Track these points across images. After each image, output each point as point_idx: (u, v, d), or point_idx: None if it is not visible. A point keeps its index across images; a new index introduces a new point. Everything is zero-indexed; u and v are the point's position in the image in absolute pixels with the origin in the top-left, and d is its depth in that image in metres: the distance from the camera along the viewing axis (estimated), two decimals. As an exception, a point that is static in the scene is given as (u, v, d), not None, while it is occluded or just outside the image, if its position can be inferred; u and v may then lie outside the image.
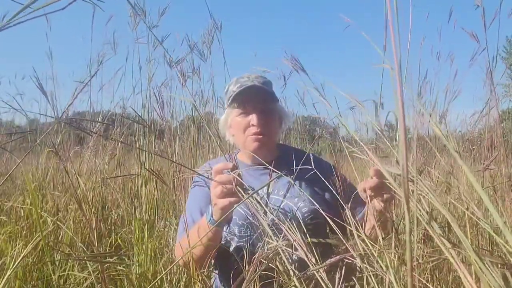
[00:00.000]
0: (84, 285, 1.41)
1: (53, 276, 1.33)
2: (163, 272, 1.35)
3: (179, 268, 1.30)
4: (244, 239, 0.98)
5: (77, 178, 1.58)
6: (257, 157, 1.06)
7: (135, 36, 1.72)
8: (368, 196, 0.76)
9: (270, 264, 0.62)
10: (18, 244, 1.40)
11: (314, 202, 0.92)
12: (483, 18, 0.99)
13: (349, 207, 0.81)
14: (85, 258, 0.96)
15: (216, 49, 1.72)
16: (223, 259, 0.99)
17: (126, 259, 1.55)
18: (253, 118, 1.02)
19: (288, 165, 1.01)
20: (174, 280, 1.28)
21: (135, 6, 1.47)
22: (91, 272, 1.18)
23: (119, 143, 2.04)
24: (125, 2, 1.56)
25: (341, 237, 0.64)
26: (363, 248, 0.56)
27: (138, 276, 1.37)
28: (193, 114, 2.07)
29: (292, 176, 1.03)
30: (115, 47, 1.89)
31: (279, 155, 1.11)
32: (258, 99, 1.03)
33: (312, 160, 0.98)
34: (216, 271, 1.08)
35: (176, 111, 2.12)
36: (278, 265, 0.61)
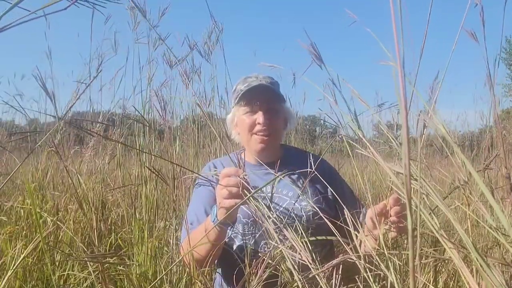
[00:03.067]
0: (84, 285, 1.41)
1: (53, 276, 1.33)
2: (163, 272, 1.34)
3: (179, 268, 1.30)
4: (248, 237, 0.98)
5: (78, 177, 1.58)
6: (260, 156, 1.07)
7: (135, 36, 1.72)
8: (377, 221, 0.75)
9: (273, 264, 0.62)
10: (18, 244, 1.39)
11: (312, 204, 0.93)
12: (481, 16, 0.98)
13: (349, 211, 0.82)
14: (85, 258, 0.96)
15: (216, 49, 1.72)
16: (226, 258, 0.99)
17: (126, 259, 1.55)
18: (259, 117, 1.03)
19: (292, 165, 1.02)
20: (174, 280, 1.28)
21: (136, 7, 1.47)
22: (91, 272, 1.18)
23: (119, 143, 2.04)
24: (124, 2, 1.56)
25: (340, 239, 0.63)
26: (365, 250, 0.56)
27: (138, 276, 1.37)
28: (193, 114, 2.07)
29: (295, 176, 1.04)
30: (116, 47, 1.88)
31: (283, 155, 1.12)
32: (265, 99, 1.04)
33: (315, 161, 0.99)
34: (219, 270, 1.08)
35: (176, 111, 2.12)
36: (281, 264, 0.61)
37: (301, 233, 0.66)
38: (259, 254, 0.94)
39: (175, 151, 1.85)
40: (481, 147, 1.81)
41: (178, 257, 1.08)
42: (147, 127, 1.77)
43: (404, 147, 0.26)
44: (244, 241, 0.98)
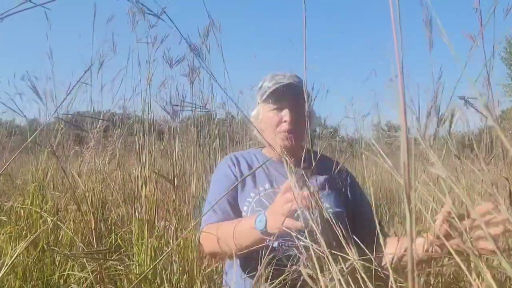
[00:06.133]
0: (84, 285, 1.41)
1: (53, 276, 1.33)
2: (163, 272, 1.34)
3: (179, 268, 1.30)
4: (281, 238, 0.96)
5: (74, 179, 1.58)
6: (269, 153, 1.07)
7: (134, 36, 1.72)
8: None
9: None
10: (18, 244, 1.39)
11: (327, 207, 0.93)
12: (479, 19, 0.99)
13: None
14: (83, 256, 0.96)
15: (214, 50, 1.74)
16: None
17: (126, 259, 1.55)
18: (286, 115, 1.04)
19: (317, 166, 1.04)
20: (174, 280, 1.28)
21: (136, 5, 1.47)
22: (90, 272, 1.18)
23: (119, 143, 2.04)
24: (124, 2, 1.56)
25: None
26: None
27: (138, 276, 1.37)
28: (193, 114, 2.07)
29: (321, 177, 1.05)
30: (114, 48, 1.88)
31: (306, 155, 1.12)
32: (293, 97, 1.04)
33: (338, 166, 1.03)
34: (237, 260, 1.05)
35: (176, 111, 2.11)
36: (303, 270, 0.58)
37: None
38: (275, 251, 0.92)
39: (175, 151, 1.85)
40: (481, 147, 1.81)
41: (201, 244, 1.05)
42: (147, 127, 1.78)
43: (403, 145, 0.26)
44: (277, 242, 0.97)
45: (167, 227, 1.63)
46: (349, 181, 1.08)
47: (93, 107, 2.33)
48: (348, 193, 1.03)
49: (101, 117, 2.27)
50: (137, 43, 1.74)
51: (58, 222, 1.58)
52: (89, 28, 1.83)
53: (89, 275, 1.28)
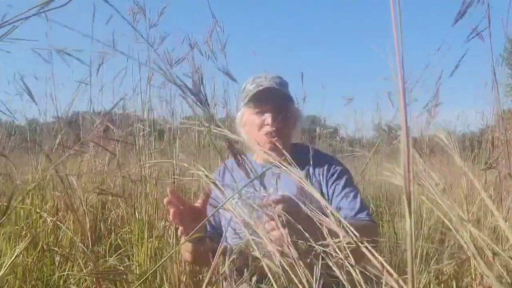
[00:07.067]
0: (84, 285, 1.40)
1: (52, 276, 1.33)
2: (163, 272, 1.34)
3: (179, 269, 1.30)
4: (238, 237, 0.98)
5: (69, 182, 1.56)
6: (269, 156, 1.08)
7: (135, 35, 1.71)
8: None
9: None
10: (18, 244, 1.39)
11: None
12: (487, 12, 0.96)
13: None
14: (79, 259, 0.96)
15: (215, 50, 1.72)
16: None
17: (126, 259, 1.55)
18: (267, 118, 1.05)
19: (301, 164, 1.04)
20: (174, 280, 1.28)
21: (135, 5, 1.47)
22: (87, 273, 1.18)
23: (119, 143, 2.03)
24: (124, 1, 1.56)
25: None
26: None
27: (138, 276, 1.37)
28: (194, 114, 2.06)
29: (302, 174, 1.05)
30: (114, 46, 1.87)
31: (293, 155, 1.12)
32: (274, 100, 1.05)
33: (322, 158, 1.03)
34: None
35: (176, 111, 2.11)
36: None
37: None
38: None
39: (175, 151, 1.85)
40: (482, 147, 1.80)
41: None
42: (147, 127, 1.77)
43: (404, 146, 0.26)
44: (235, 239, 0.99)
45: (167, 227, 1.62)
46: (334, 171, 1.05)
47: (93, 107, 2.32)
48: (323, 186, 1.02)
49: (101, 117, 2.26)
50: (136, 43, 1.73)
51: (58, 222, 1.58)
52: (88, 27, 1.83)
53: (88, 276, 1.28)
